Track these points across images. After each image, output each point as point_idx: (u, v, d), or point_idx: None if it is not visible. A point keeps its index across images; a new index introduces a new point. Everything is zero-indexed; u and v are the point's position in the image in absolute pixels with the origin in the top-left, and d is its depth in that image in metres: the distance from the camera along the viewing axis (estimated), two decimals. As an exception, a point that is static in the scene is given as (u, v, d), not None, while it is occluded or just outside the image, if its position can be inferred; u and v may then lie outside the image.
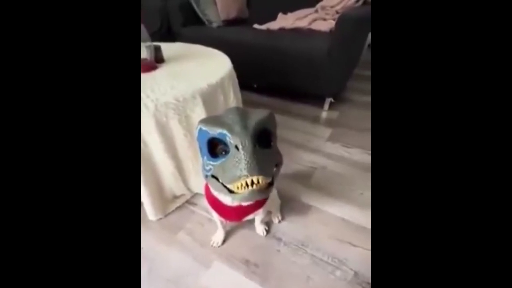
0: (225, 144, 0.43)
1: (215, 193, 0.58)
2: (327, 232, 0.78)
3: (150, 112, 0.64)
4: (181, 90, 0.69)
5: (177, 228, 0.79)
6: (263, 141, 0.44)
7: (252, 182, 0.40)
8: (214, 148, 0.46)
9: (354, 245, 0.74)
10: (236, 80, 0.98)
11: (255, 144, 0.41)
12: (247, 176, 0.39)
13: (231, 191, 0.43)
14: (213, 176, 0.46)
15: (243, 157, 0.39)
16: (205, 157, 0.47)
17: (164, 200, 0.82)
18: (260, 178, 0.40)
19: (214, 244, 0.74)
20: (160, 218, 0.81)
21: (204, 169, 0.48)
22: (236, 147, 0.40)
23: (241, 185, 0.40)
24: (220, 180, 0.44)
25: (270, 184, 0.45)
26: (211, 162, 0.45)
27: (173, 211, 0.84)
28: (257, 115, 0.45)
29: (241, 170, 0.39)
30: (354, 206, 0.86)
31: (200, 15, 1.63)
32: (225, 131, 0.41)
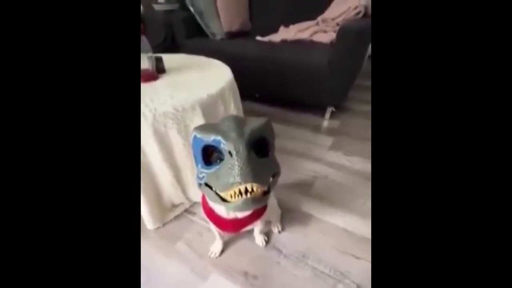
0: (220, 152, 0.42)
1: (210, 203, 0.57)
2: (328, 243, 0.75)
3: (149, 121, 0.64)
4: (180, 100, 0.70)
5: (176, 238, 0.78)
6: (260, 150, 0.43)
7: (246, 190, 0.38)
8: (209, 156, 0.45)
9: (357, 257, 0.71)
10: (237, 91, 0.99)
11: (250, 151, 0.39)
12: (240, 183, 0.38)
13: (224, 200, 0.42)
14: (206, 185, 0.44)
15: (236, 163, 0.37)
16: (199, 165, 0.46)
17: (162, 209, 0.81)
18: (255, 186, 0.39)
19: (212, 255, 0.73)
20: (158, 227, 0.80)
21: (197, 177, 0.47)
22: (230, 153, 0.38)
23: (234, 193, 0.39)
24: (214, 189, 0.43)
25: (266, 193, 0.44)
26: (205, 170, 0.44)
27: (171, 220, 0.83)
28: (254, 123, 0.44)
29: (234, 176, 0.37)
30: (356, 216, 0.84)
31: (204, 27, 1.68)
32: (219, 137, 0.40)
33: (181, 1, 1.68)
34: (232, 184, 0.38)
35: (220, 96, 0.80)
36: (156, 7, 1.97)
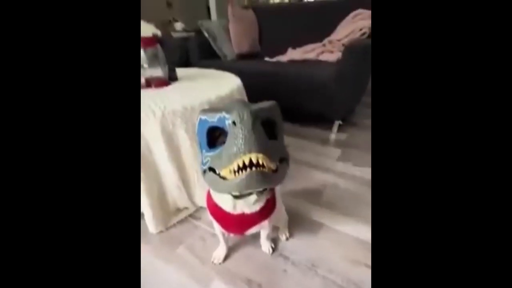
0: (225, 134, 0.40)
1: (216, 198, 0.55)
2: (339, 252, 0.70)
3: (157, 119, 0.66)
4: (190, 99, 0.73)
5: (178, 242, 0.75)
6: (268, 132, 0.40)
7: (251, 164, 0.35)
8: (214, 140, 0.43)
9: (370, 267, 0.65)
10: (245, 97, 1.02)
11: (256, 122, 0.36)
12: (244, 154, 0.34)
13: (227, 180, 0.39)
14: (210, 169, 0.42)
15: (240, 131, 0.34)
16: (203, 150, 0.44)
17: (166, 212, 0.80)
18: (260, 158, 0.35)
19: (215, 261, 0.69)
20: (161, 231, 0.78)
21: (202, 163, 0.44)
22: (234, 123, 0.35)
23: (238, 167, 0.35)
24: (217, 171, 0.40)
25: (275, 171, 0.40)
26: (209, 153, 0.42)
27: (175, 224, 0.81)
28: (261, 104, 0.42)
29: (237, 146, 0.34)
30: (368, 225, 0.78)
31: (216, 50, 1.80)
32: (223, 114, 0.38)
33: (198, 32, 1.83)
34: (236, 155, 0.35)
35: (229, 98, 0.82)
36: (174, 34, 2.15)
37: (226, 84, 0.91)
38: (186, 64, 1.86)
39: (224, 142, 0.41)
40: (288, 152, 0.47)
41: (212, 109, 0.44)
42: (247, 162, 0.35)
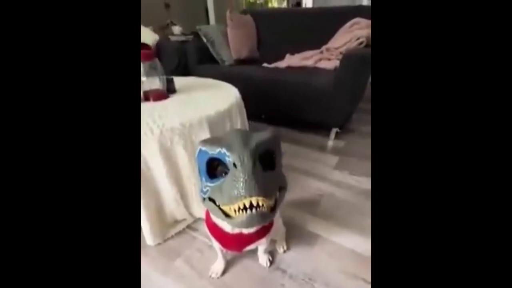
0: (225, 165, 0.41)
1: (214, 218, 0.56)
2: (336, 265, 0.71)
3: (155, 136, 0.67)
4: (188, 116, 0.73)
5: (175, 254, 0.76)
6: (266, 163, 0.42)
7: (251, 205, 0.36)
8: (214, 170, 0.45)
9: (368, 282, 0.67)
10: (244, 109, 1.02)
11: (256, 163, 0.38)
12: (245, 197, 0.36)
13: (228, 216, 0.40)
14: (210, 199, 0.43)
15: (241, 174, 0.36)
16: (203, 178, 0.45)
17: (163, 224, 0.80)
18: (261, 200, 0.36)
19: (213, 275, 0.70)
20: (159, 243, 0.79)
21: (201, 191, 0.46)
22: (234, 164, 0.37)
23: (239, 208, 0.37)
24: (217, 203, 0.41)
25: (273, 209, 0.42)
26: (209, 184, 0.43)
27: (172, 236, 0.82)
28: (260, 136, 0.43)
29: (238, 190, 0.36)
30: (365, 237, 0.80)
31: (215, 55, 1.80)
32: (224, 150, 0.39)
33: (196, 35, 1.83)
34: (236, 198, 0.36)
35: (228, 113, 0.83)
36: (172, 38, 2.14)
37: (225, 97, 0.91)
38: (184, 67, 1.86)
39: (223, 173, 0.43)
40: (286, 178, 0.48)
41: (213, 140, 0.45)
42: (247, 205, 0.37)
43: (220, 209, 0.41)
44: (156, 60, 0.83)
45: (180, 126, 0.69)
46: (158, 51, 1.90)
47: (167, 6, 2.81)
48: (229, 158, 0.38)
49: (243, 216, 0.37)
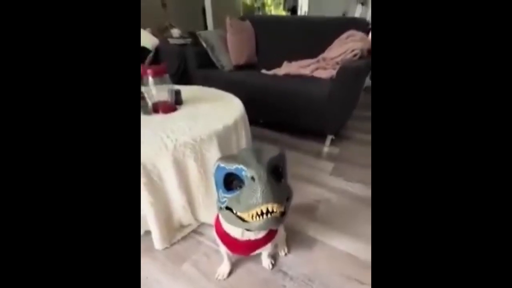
0: (240, 179, 0.48)
1: (226, 226, 0.63)
2: (333, 268, 0.79)
3: (169, 151, 0.72)
4: (198, 131, 0.78)
5: (183, 259, 0.81)
6: (275, 176, 0.50)
7: (267, 211, 0.44)
8: (230, 184, 0.52)
9: (362, 283, 0.74)
10: (247, 121, 1.08)
11: (269, 176, 0.46)
12: (262, 204, 0.43)
13: (245, 222, 0.48)
14: (227, 208, 0.50)
15: (259, 186, 0.43)
16: (220, 190, 0.52)
17: (170, 229, 0.85)
18: (275, 206, 0.44)
19: (220, 277, 0.76)
20: (166, 247, 0.84)
21: (219, 201, 0.53)
22: (252, 178, 0.44)
23: (256, 213, 0.44)
24: (235, 211, 0.49)
25: (283, 214, 0.49)
26: (226, 195, 0.50)
27: (179, 240, 0.87)
28: (270, 153, 0.51)
29: (257, 198, 0.43)
30: (360, 241, 0.88)
31: (214, 60, 1.83)
32: (241, 166, 0.46)
33: (194, 37, 1.85)
34: (255, 205, 0.44)
35: (234, 127, 0.88)
36: (171, 41, 2.16)
37: (231, 110, 0.97)
38: (184, 72, 1.89)
39: (238, 186, 0.50)
40: (291, 189, 0.55)
41: (229, 158, 0.52)
42: (264, 211, 0.44)
43: (237, 216, 0.49)
44: (166, 76, 0.87)
45: (192, 141, 0.74)
46: (158, 55, 1.93)
47: (164, 5, 2.80)
48: (246, 172, 0.46)
49: (260, 220, 0.45)
